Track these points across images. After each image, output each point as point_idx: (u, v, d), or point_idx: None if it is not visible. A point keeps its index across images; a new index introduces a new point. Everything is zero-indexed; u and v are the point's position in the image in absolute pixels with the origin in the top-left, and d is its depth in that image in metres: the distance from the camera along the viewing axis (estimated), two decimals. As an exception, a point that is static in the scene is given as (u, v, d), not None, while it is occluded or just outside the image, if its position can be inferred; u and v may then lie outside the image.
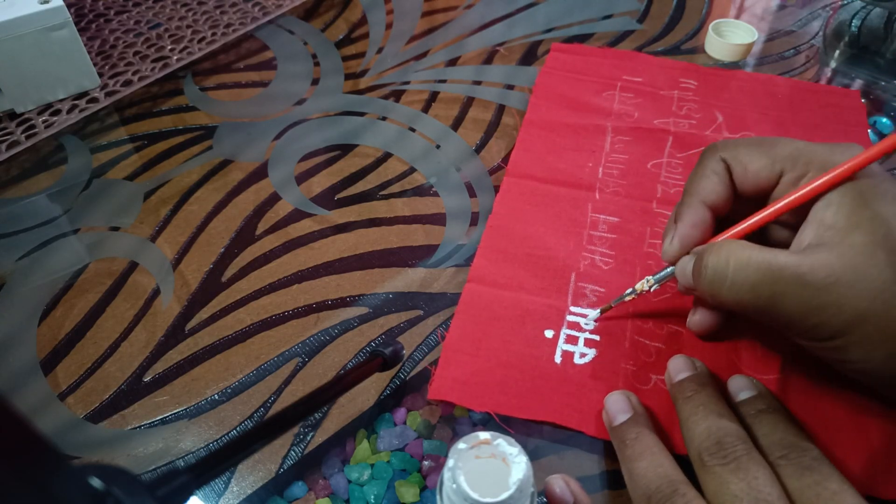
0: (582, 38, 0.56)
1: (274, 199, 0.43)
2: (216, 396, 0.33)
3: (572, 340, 0.34)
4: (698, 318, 0.33)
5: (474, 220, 0.42)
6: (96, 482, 0.16)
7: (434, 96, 0.51)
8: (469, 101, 0.50)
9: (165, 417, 0.33)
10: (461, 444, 0.22)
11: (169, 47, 0.56)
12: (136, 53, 0.56)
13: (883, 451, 0.30)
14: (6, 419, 0.14)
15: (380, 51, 0.56)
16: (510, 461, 0.21)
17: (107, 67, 0.54)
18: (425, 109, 0.50)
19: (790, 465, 0.25)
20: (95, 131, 0.49)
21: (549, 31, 0.57)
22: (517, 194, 0.42)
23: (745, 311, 0.28)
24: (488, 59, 0.55)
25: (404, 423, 0.32)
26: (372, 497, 0.30)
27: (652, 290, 0.33)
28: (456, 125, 0.48)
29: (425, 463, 0.31)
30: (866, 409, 0.31)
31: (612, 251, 0.39)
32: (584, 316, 0.35)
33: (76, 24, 0.50)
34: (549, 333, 0.35)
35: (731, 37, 0.53)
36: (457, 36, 0.57)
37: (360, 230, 0.41)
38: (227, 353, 0.35)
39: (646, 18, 0.59)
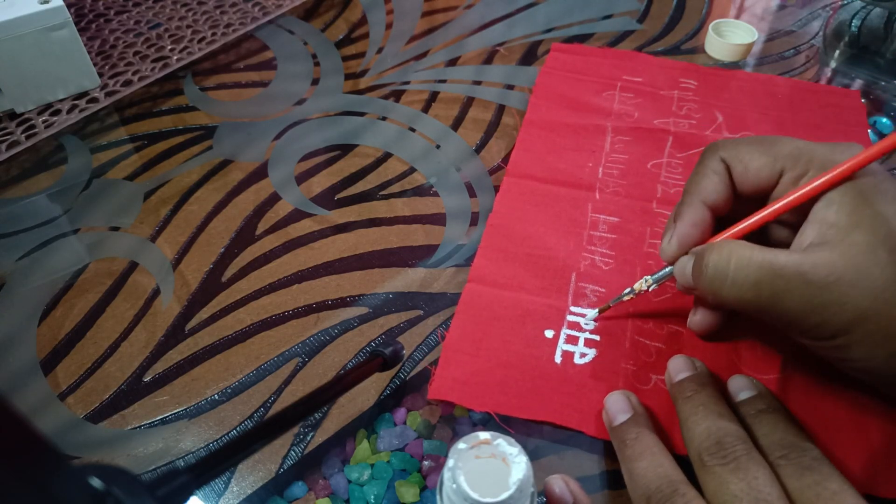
0: (582, 38, 0.56)
1: (274, 199, 0.43)
2: (216, 396, 0.33)
3: (572, 340, 0.34)
4: (699, 318, 0.33)
5: (474, 220, 0.42)
6: (96, 482, 0.16)
7: (434, 96, 0.51)
8: (469, 101, 0.50)
9: (165, 417, 0.33)
10: (461, 444, 0.22)
11: (169, 47, 0.56)
12: (136, 53, 0.56)
13: (883, 450, 0.30)
14: (6, 419, 0.14)
15: (380, 51, 0.56)
16: (510, 461, 0.21)
17: (107, 67, 0.54)
18: (425, 109, 0.50)
19: (790, 465, 0.25)
20: (95, 131, 0.49)
21: (549, 31, 0.57)
22: (517, 194, 0.42)
23: (746, 310, 0.28)
24: (488, 59, 0.55)
25: (404, 423, 0.32)
26: (372, 497, 0.30)
27: (650, 289, 0.33)
28: (456, 125, 0.48)
29: (425, 463, 0.31)
30: (866, 409, 0.31)
31: (613, 251, 0.39)
32: (584, 316, 0.35)
33: (76, 24, 0.50)
34: (549, 333, 0.35)
35: (731, 37, 0.53)
36: (457, 36, 0.57)
37: (360, 230, 0.41)
38: (227, 353, 0.35)
39: (646, 18, 0.59)
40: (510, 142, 0.47)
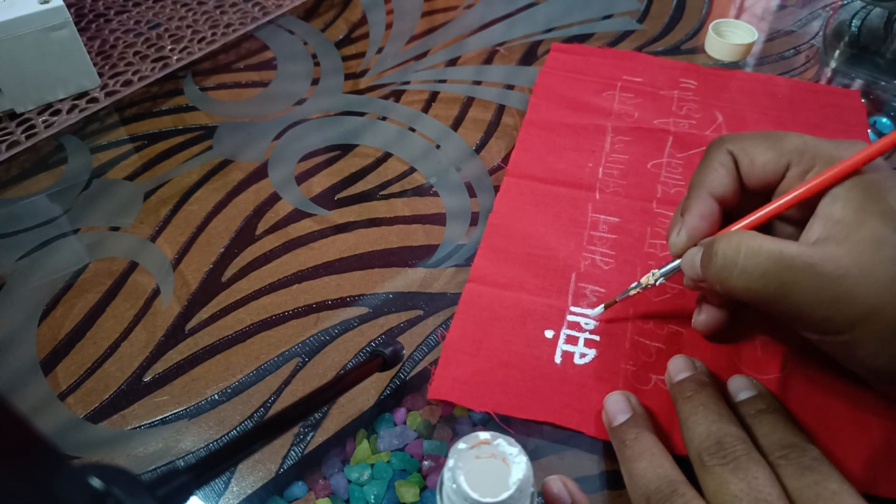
0: (582, 38, 0.56)
1: (274, 199, 0.43)
2: (216, 396, 0.33)
3: (572, 341, 0.34)
4: (704, 318, 0.33)
5: (474, 220, 0.42)
6: (96, 482, 0.16)
7: (434, 96, 0.51)
8: (469, 101, 0.50)
9: (165, 417, 0.33)
10: (461, 444, 0.22)
11: (169, 47, 0.56)
12: (136, 53, 0.56)
13: (883, 450, 0.30)
14: (6, 419, 0.14)
15: (380, 51, 0.56)
16: (510, 461, 0.21)
17: (107, 67, 0.54)
18: (425, 109, 0.50)
19: (790, 464, 0.25)
20: (95, 131, 0.49)
21: (549, 31, 0.57)
22: (517, 194, 0.42)
23: (753, 301, 0.28)
24: (488, 59, 0.55)
25: (404, 423, 0.32)
26: (372, 497, 0.30)
27: (657, 283, 0.33)
28: (456, 125, 0.48)
29: (425, 463, 0.31)
30: (867, 409, 0.31)
31: (613, 251, 0.39)
32: (585, 316, 0.35)
33: (76, 24, 0.50)
34: (549, 333, 0.35)
35: (731, 37, 0.53)
36: (457, 36, 0.57)
37: (360, 230, 0.41)
38: (227, 353, 0.35)
39: (646, 18, 0.59)
40: (510, 142, 0.47)
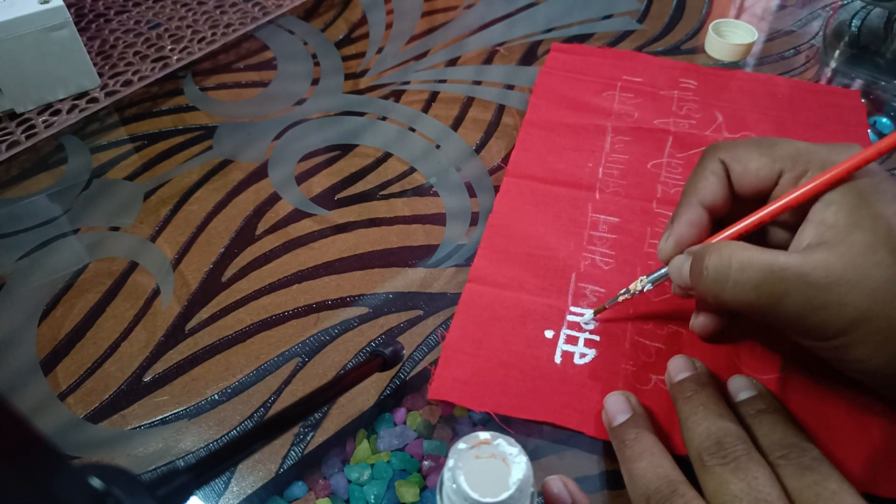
0: (582, 38, 0.56)
1: (274, 199, 0.43)
2: (216, 396, 0.33)
3: (572, 341, 0.34)
4: (701, 321, 0.33)
5: (474, 220, 0.42)
6: (96, 482, 0.16)
7: (434, 96, 0.51)
8: (469, 101, 0.50)
9: (165, 417, 0.33)
10: (461, 444, 0.22)
11: (169, 47, 0.56)
12: (136, 53, 0.56)
13: (883, 450, 0.30)
14: (6, 419, 0.14)
15: (380, 51, 0.56)
16: (510, 461, 0.21)
17: (107, 67, 0.54)
18: (425, 109, 0.50)
19: (790, 464, 0.25)
20: (95, 131, 0.49)
21: (549, 31, 0.57)
22: (517, 194, 0.42)
23: (746, 311, 0.28)
24: (488, 59, 0.55)
25: (404, 423, 0.32)
26: (372, 497, 0.30)
27: (645, 290, 0.33)
28: (456, 125, 0.48)
29: (425, 463, 0.31)
30: (866, 409, 0.31)
31: (613, 251, 0.39)
32: (584, 316, 0.35)
33: (76, 24, 0.50)
34: (549, 333, 0.35)
35: (731, 37, 0.53)
36: (457, 36, 0.57)
37: (360, 230, 0.41)
38: (227, 353, 0.35)
39: (646, 18, 0.59)
40: (510, 142, 0.47)
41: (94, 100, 0.51)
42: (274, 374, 0.34)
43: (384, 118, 0.49)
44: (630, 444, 0.28)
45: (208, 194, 0.44)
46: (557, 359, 0.34)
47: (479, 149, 0.47)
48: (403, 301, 0.37)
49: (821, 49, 0.55)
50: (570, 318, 0.35)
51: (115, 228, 0.42)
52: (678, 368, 0.31)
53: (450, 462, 0.21)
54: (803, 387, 0.32)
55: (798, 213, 0.29)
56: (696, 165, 0.32)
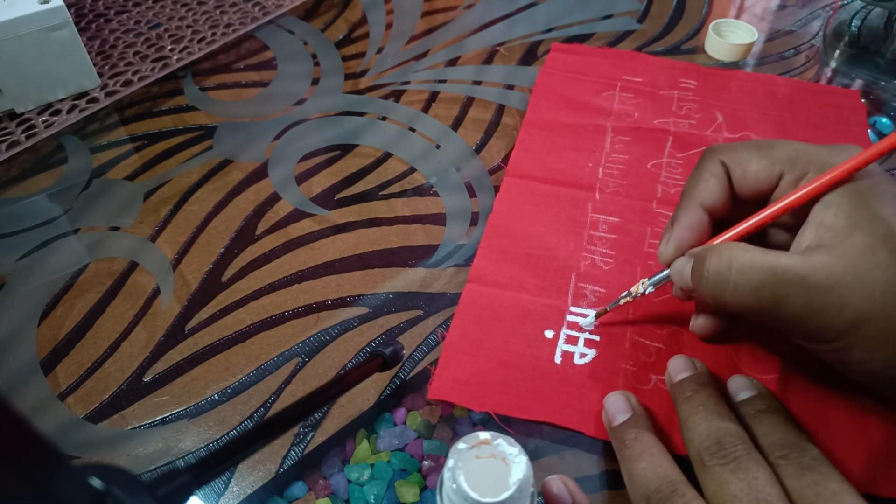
0: (582, 38, 0.56)
1: (274, 199, 0.43)
2: (216, 396, 0.33)
3: (572, 341, 0.34)
4: (701, 322, 0.33)
5: (474, 220, 0.42)
6: (96, 482, 0.16)
7: (434, 96, 0.51)
8: (469, 101, 0.50)
9: (165, 417, 0.33)
10: (461, 444, 0.22)
11: (169, 47, 0.56)
12: (136, 53, 0.56)
13: (883, 450, 0.30)
14: (6, 419, 0.14)
15: (380, 51, 0.56)
16: (510, 461, 0.21)
17: (107, 67, 0.54)
18: (425, 109, 0.50)
19: (790, 465, 0.25)
20: (95, 131, 0.49)
21: (549, 31, 0.57)
22: (517, 194, 0.42)
23: (747, 313, 0.28)
24: (488, 59, 0.55)
25: (404, 423, 0.32)
26: (372, 497, 0.30)
27: (647, 292, 0.33)
28: (456, 125, 0.48)
29: (425, 463, 0.31)
30: (866, 409, 0.31)
31: (613, 251, 0.39)
32: (584, 316, 0.35)
33: (76, 24, 0.50)
34: (549, 334, 0.35)
35: (731, 37, 0.53)
36: (457, 36, 0.57)
37: (360, 230, 0.41)
38: (227, 353, 0.35)
39: (646, 18, 0.59)
40: (510, 142, 0.47)
41: (94, 100, 0.51)
42: (274, 374, 0.34)
43: (384, 118, 0.49)
44: (630, 444, 0.28)
45: (208, 194, 0.44)
46: (557, 359, 0.34)
47: (479, 149, 0.47)
48: (403, 301, 0.37)
49: (821, 49, 0.55)
50: (570, 318, 0.35)
51: (115, 228, 0.42)
52: (678, 368, 0.31)
53: (450, 462, 0.21)
54: (803, 387, 0.32)
55: (798, 215, 0.29)
56: (696, 167, 0.32)
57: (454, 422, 0.32)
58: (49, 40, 0.47)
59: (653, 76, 0.51)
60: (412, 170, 0.45)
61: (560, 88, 0.50)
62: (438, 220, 0.42)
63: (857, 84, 0.52)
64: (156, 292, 0.38)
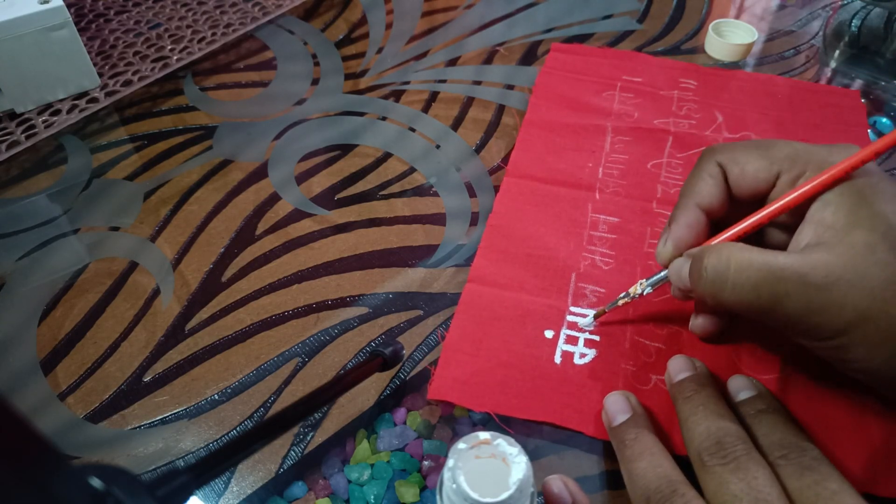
0: (582, 38, 0.56)
1: (274, 199, 0.43)
2: (216, 396, 0.34)
3: (572, 341, 0.34)
4: (701, 322, 0.33)
5: (474, 220, 0.42)
6: (96, 482, 0.16)
7: (434, 96, 0.51)
8: (469, 101, 0.50)
9: (165, 417, 0.33)
10: (461, 444, 0.22)
11: (169, 47, 0.56)
12: (136, 53, 0.56)
13: (883, 450, 0.30)
14: (6, 419, 0.14)
15: (380, 51, 0.56)
16: (510, 461, 0.21)
17: (107, 67, 0.54)
18: (425, 109, 0.50)
19: (790, 464, 0.25)
20: (95, 131, 0.49)
21: (549, 31, 0.57)
22: (517, 194, 0.42)
23: (746, 312, 0.28)
24: (488, 59, 0.55)
25: (404, 423, 0.32)
26: (372, 497, 0.30)
27: (645, 293, 0.33)
28: (456, 125, 0.48)
29: (425, 463, 0.31)
30: (866, 409, 0.31)
31: (613, 251, 0.39)
32: (584, 316, 0.35)
33: (76, 24, 0.50)
34: (549, 334, 0.35)
35: (731, 37, 0.53)
36: (457, 36, 0.57)
37: (360, 230, 0.41)
38: (227, 353, 0.35)
39: (646, 18, 0.59)
40: (510, 142, 0.47)
41: (94, 100, 0.51)
42: (274, 374, 0.34)
43: (384, 118, 0.49)
44: (630, 444, 0.28)
45: (208, 194, 0.44)
46: (557, 359, 0.34)
47: (479, 149, 0.47)
48: (403, 301, 0.37)
49: (821, 49, 0.55)
50: (569, 318, 0.35)
51: (115, 228, 0.42)
52: (678, 368, 0.31)
53: (450, 462, 0.21)
54: (803, 387, 0.32)
55: (796, 214, 0.29)
56: (694, 168, 0.32)
57: (454, 422, 0.32)
58: (49, 40, 0.47)
59: (653, 76, 0.51)
60: (412, 170, 0.45)
61: (560, 88, 0.50)
62: (438, 220, 0.42)
63: (857, 84, 0.52)
64: (156, 292, 0.38)
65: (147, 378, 0.34)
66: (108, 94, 0.51)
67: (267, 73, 0.54)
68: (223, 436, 0.32)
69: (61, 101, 0.51)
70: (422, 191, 0.44)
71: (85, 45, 0.50)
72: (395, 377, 0.34)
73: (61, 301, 0.38)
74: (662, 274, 0.32)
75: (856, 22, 0.58)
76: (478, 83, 0.52)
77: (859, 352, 0.26)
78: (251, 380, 0.34)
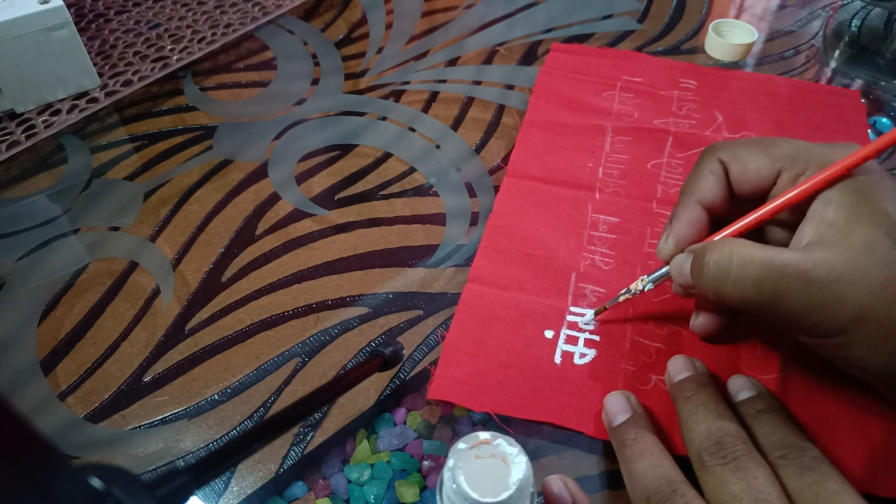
0: (582, 38, 0.56)
1: (274, 199, 0.43)
2: (216, 396, 0.33)
3: (572, 341, 0.34)
4: (701, 321, 0.33)
5: (474, 220, 0.42)
6: (96, 482, 0.16)
7: (434, 96, 0.51)
8: (469, 101, 0.50)
9: (165, 417, 0.33)
10: (461, 444, 0.22)
11: (169, 47, 0.56)
12: (136, 53, 0.56)
13: (883, 450, 0.30)
14: (6, 419, 0.14)
15: (380, 51, 0.56)
16: (510, 461, 0.21)
17: (107, 67, 0.54)
18: (425, 109, 0.50)
19: (790, 464, 0.25)
20: (95, 131, 0.49)
21: (549, 31, 0.57)
22: (517, 194, 0.42)
23: (747, 309, 0.28)
24: (488, 59, 0.55)
25: (404, 423, 0.32)
26: (372, 497, 0.30)
27: (646, 289, 0.33)
28: (456, 125, 0.48)
29: (425, 463, 0.31)
30: (866, 409, 0.31)
31: (613, 251, 0.39)
32: (584, 316, 0.35)
33: (76, 24, 0.50)
34: (549, 334, 0.35)
35: (731, 37, 0.53)
36: (457, 36, 0.57)
37: (360, 230, 0.41)
38: (227, 353, 0.35)
39: (646, 18, 0.59)
40: (510, 142, 0.47)
41: (94, 100, 0.51)
42: (274, 374, 0.34)
43: (384, 118, 0.49)
44: (630, 444, 0.28)
45: (208, 194, 0.44)
46: (557, 359, 0.34)
47: (479, 149, 0.47)
48: (403, 301, 0.37)
49: (821, 49, 0.55)
50: (569, 318, 0.35)
51: (115, 228, 0.42)
52: (678, 368, 0.31)
53: (450, 462, 0.21)
54: (803, 387, 0.32)
55: (797, 212, 0.29)
56: (695, 165, 0.32)
57: (454, 422, 0.32)
58: (49, 40, 0.47)
59: (653, 76, 0.51)
60: (412, 170, 0.45)
61: (560, 88, 0.50)
62: (438, 220, 0.42)
63: (857, 84, 0.52)
64: (156, 292, 0.38)
65: (147, 378, 0.34)
66: (108, 94, 0.51)
67: (267, 73, 0.54)
68: (223, 436, 0.32)
69: (61, 101, 0.51)
70: (422, 191, 0.44)
71: (85, 45, 0.50)
72: (395, 377, 0.34)
73: (61, 301, 0.38)
74: (664, 270, 0.32)
75: (856, 22, 0.58)
76: (478, 83, 0.52)
77: (860, 350, 0.26)
78: (251, 380, 0.34)
